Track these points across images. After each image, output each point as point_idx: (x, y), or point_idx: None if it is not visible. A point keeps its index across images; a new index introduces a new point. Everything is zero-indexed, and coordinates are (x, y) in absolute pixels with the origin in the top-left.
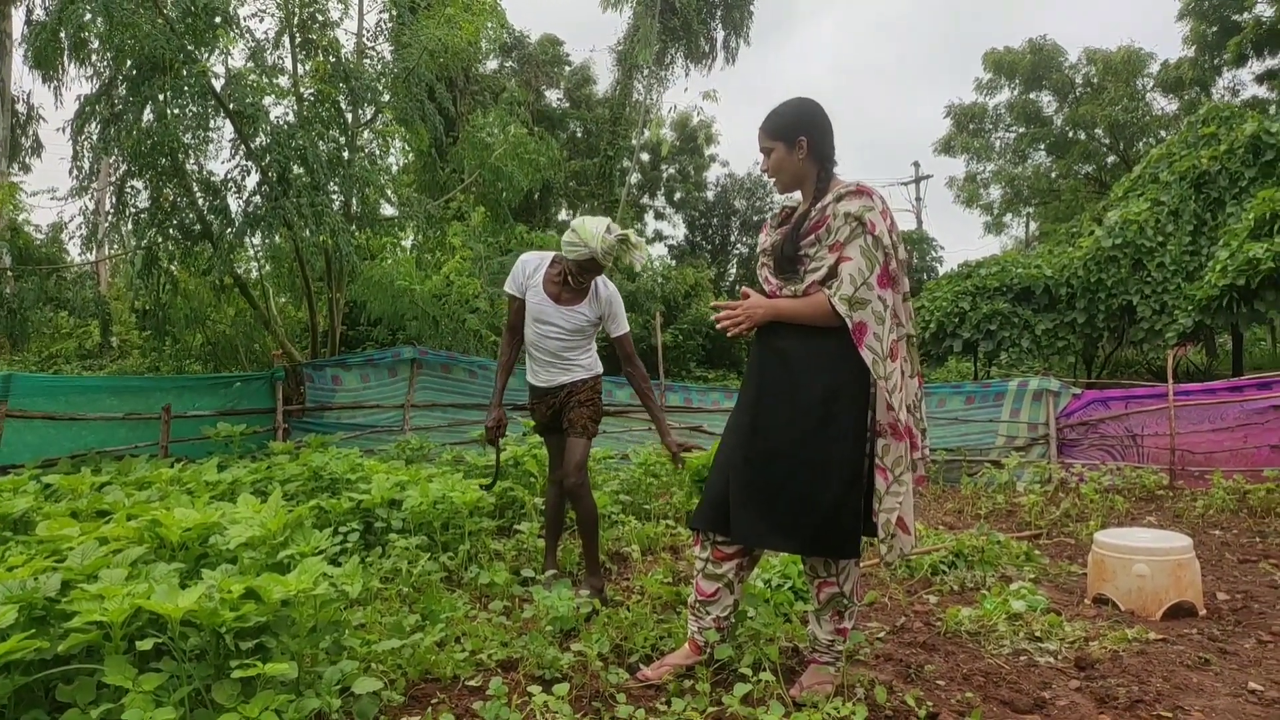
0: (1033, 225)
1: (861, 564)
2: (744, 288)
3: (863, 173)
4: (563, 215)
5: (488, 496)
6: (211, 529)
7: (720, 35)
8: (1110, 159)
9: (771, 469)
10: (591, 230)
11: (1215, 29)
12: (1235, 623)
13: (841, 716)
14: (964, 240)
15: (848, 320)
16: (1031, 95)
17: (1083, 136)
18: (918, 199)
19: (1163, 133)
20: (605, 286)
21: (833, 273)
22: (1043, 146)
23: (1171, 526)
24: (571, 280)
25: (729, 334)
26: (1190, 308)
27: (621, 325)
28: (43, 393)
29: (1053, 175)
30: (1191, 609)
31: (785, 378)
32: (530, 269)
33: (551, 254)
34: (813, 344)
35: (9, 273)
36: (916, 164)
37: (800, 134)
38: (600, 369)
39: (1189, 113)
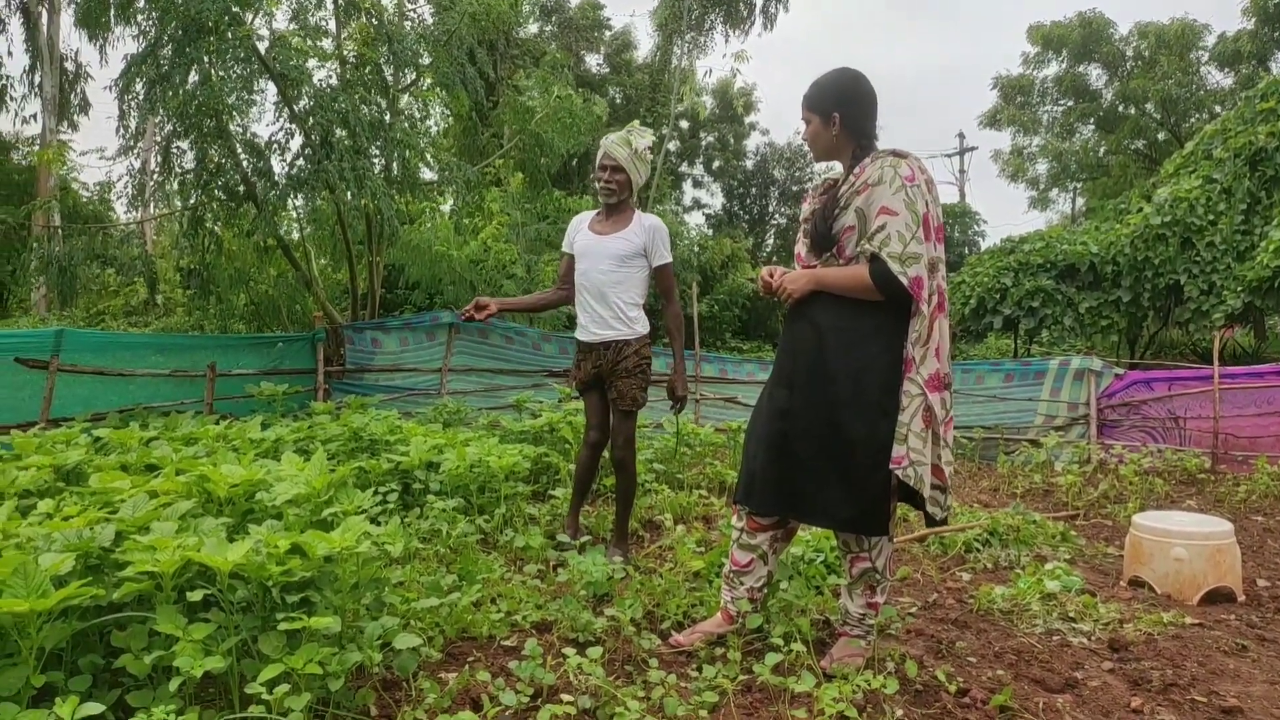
0: (1079, 201)
1: (896, 539)
2: (765, 267)
3: (904, 143)
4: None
5: (522, 462)
6: (257, 485)
7: (759, 0)
8: (1161, 135)
9: (802, 443)
10: (607, 135)
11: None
12: (1275, 610)
13: (872, 689)
14: (1008, 215)
15: (902, 277)
16: (1080, 69)
17: (1133, 111)
18: (961, 171)
19: (1217, 108)
20: (649, 217)
21: (869, 235)
22: (1091, 121)
23: (1212, 511)
24: (600, 193)
25: (784, 301)
26: (1240, 288)
27: (664, 255)
28: (92, 348)
29: (1101, 151)
30: (1230, 595)
31: (818, 352)
32: (577, 224)
33: (596, 210)
34: (847, 319)
35: (58, 230)
36: (961, 135)
37: (836, 109)
38: (647, 329)
39: (1246, 87)
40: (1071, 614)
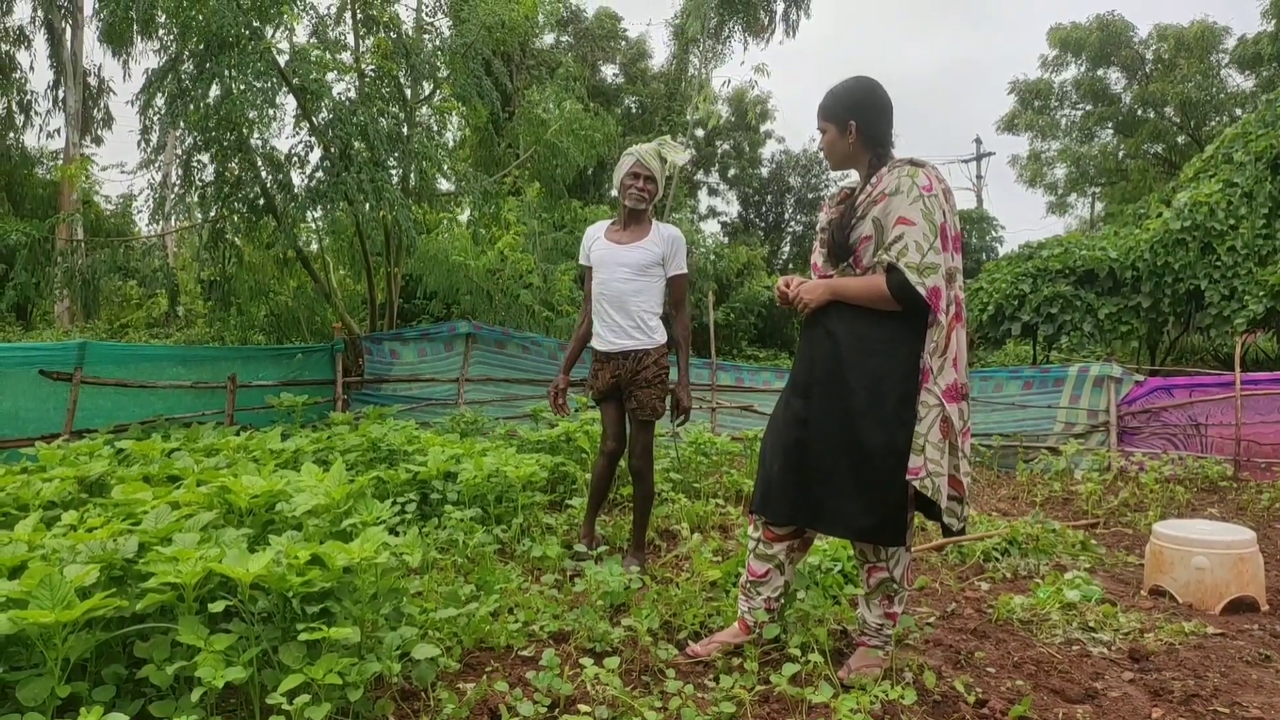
0: (1098, 206)
1: (913, 549)
2: (782, 277)
3: (920, 150)
4: (615, 191)
5: (540, 471)
6: (278, 496)
7: (780, 7)
8: (1181, 138)
9: (819, 452)
10: (636, 145)
11: None
12: None
13: (890, 699)
14: (1026, 220)
15: (920, 288)
16: (1099, 72)
17: (1152, 115)
18: (979, 177)
19: (1238, 111)
20: (667, 227)
21: (886, 245)
22: (1110, 125)
23: (1234, 519)
24: (629, 199)
25: (800, 311)
26: (1262, 294)
27: (681, 265)
28: (115, 360)
29: (1120, 155)
30: (1253, 604)
31: (835, 361)
32: (593, 234)
33: (610, 220)
34: (864, 329)
35: (81, 244)
36: (978, 140)
37: (851, 118)
38: (665, 338)
39: (1267, 90)
40: (1091, 623)
